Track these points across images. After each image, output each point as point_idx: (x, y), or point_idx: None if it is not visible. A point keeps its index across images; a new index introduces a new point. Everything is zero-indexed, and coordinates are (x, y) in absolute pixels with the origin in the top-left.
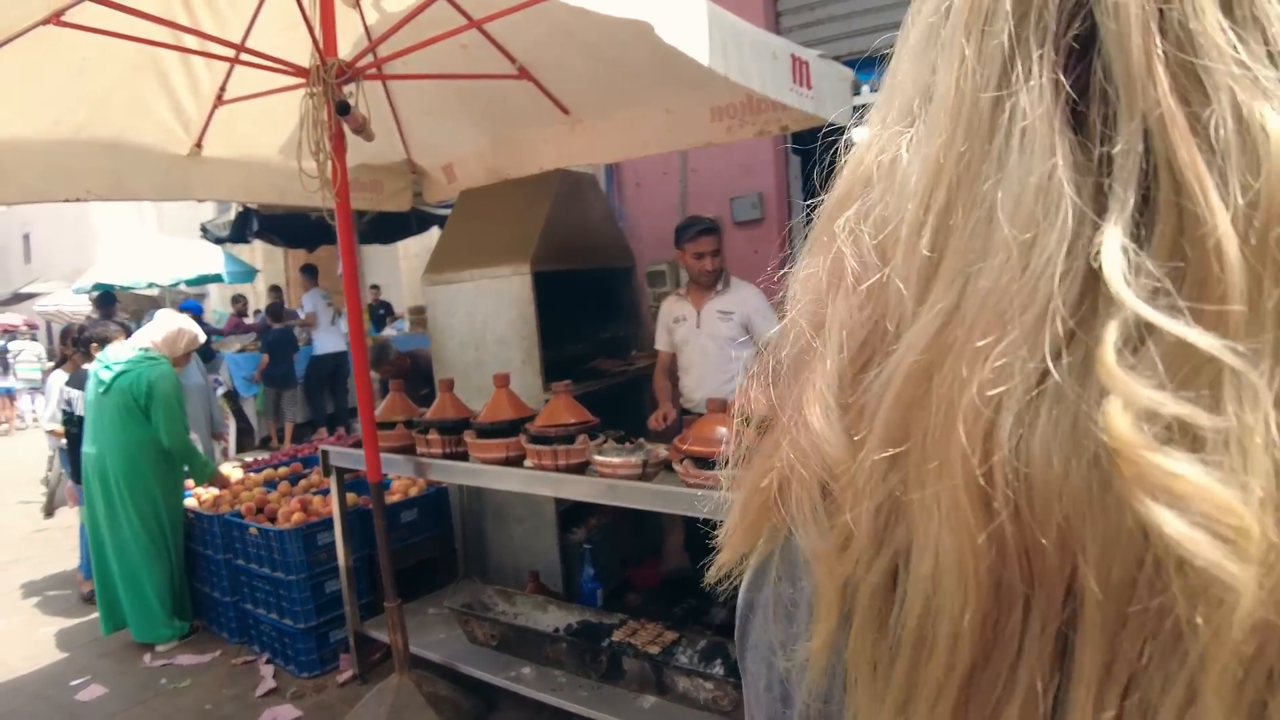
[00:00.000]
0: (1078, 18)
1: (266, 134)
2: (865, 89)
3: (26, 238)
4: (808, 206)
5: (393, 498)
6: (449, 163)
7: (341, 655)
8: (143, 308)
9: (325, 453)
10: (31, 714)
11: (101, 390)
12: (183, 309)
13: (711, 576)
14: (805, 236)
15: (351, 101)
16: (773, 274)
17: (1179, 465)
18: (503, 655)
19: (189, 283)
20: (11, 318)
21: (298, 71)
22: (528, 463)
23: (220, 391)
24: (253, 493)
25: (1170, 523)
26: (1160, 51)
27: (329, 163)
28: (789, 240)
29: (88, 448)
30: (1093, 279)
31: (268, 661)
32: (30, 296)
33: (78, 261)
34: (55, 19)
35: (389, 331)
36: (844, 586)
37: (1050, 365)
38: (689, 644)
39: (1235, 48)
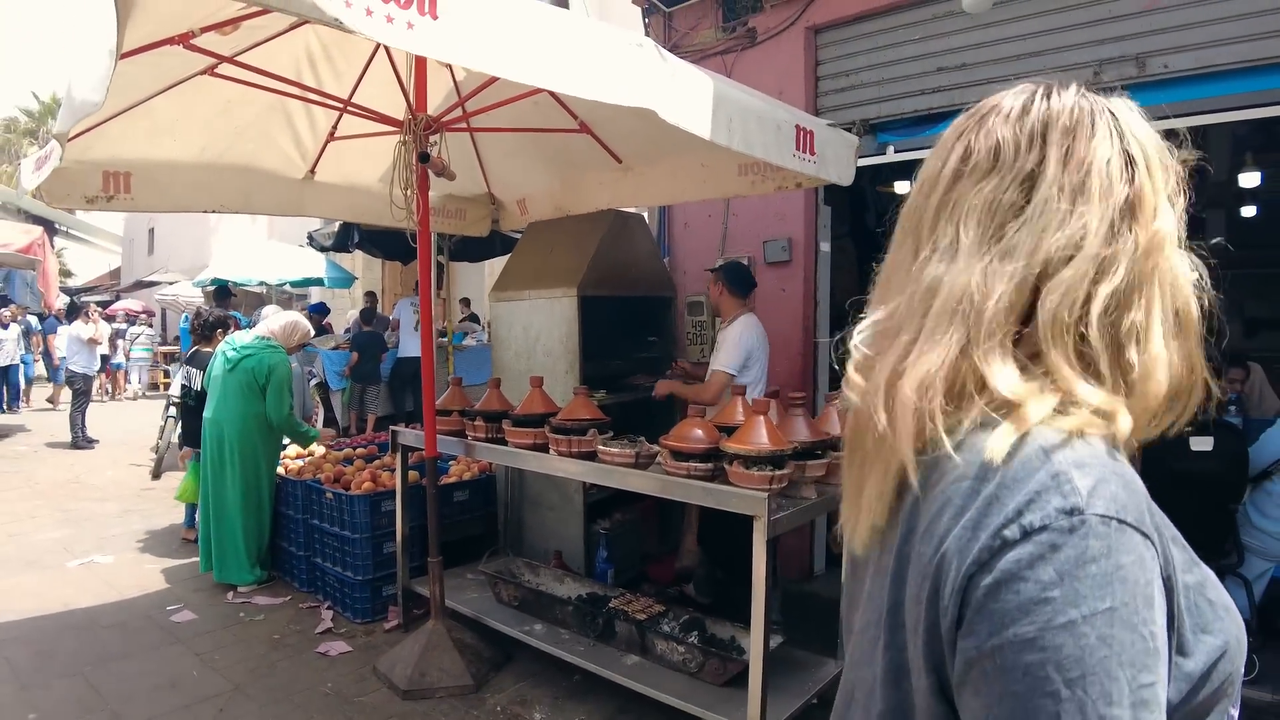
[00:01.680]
0: (923, 227)
1: (369, 166)
2: (891, 149)
3: (151, 232)
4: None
5: (448, 480)
6: (523, 198)
7: (390, 607)
8: (249, 303)
9: (395, 433)
10: (138, 628)
11: (228, 368)
12: (309, 310)
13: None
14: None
15: (434, 150)
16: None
17: (854, 375)
18: (522, 614)
19: (293, 284)
20: (133, 303)
21: (393, 123)
22: (550, 450)
23: (313, 383)
24: (333, 465)
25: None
26: (928, 243)
27: (414, 197)
28: (814, 279)
29: (209, 414)
30: None
31: (329, 607)
32: (152, 285)
33: (195, 256)
34: (210, 71)
35: (469, 341)
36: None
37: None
38: (674, 617)
39: (945, 243)
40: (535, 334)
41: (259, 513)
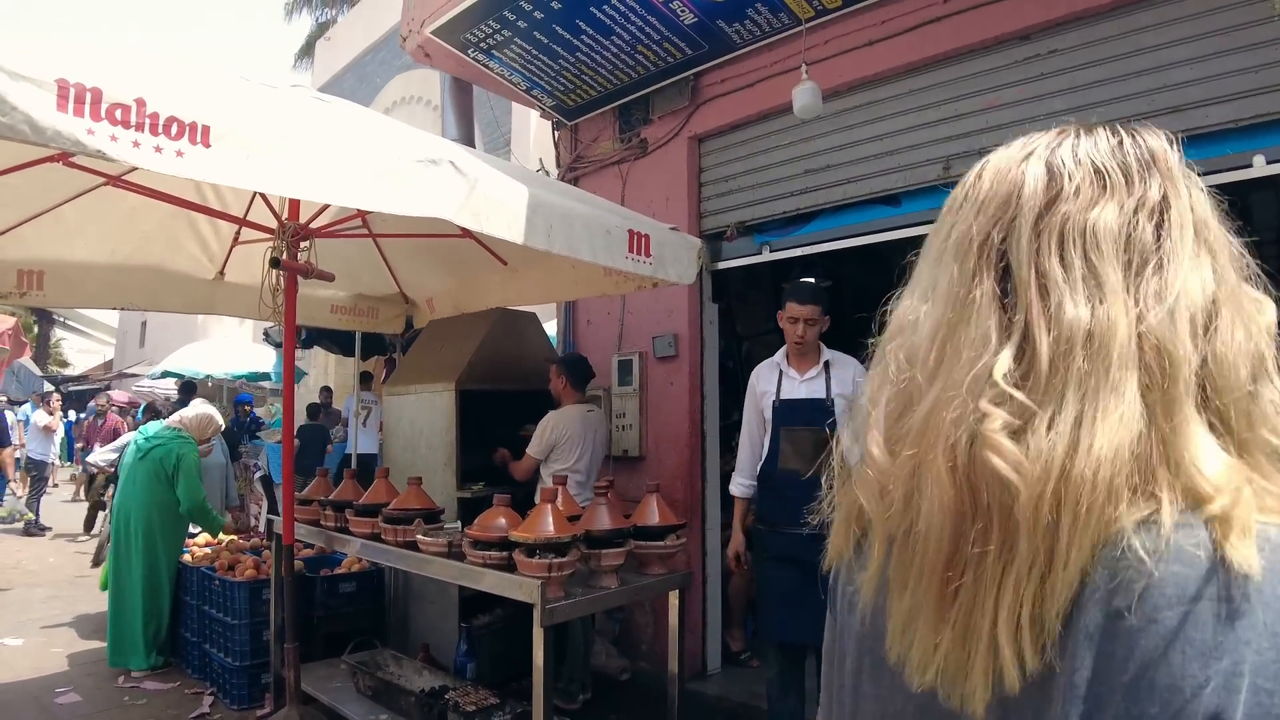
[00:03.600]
0: (1003, 257)
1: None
2: (766, 249)
3: (144, 324)
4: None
5: (339, 571)
6: (430, 297)
7: (266, 695)
8: (218, 395)
9: (270, 521)
10: (19, 709)
11: (139, 456)
12: (237, 401)
13: (827, 566)
14: (871, 356)
15: (304, 255)
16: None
17: (1007, 444)
18: (375, 704)
19: (237, 377)
20: (119, 394)
21: (268, 230)
22: (384, 539)
23: (258, 475)
24: (231, 554)
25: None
26: (1034, 277)
27: (280, 297)
28: (700, 373)
29: (117, 500)
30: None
31: (211, 693)
32: (133, 377)
33: (182, 351)
34: (111, 182)
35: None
36: (888, 536)
37: (974, 410)
38: (509, 710)
39: (1062, 275)
40: (420, 427)
41: (157, 598)
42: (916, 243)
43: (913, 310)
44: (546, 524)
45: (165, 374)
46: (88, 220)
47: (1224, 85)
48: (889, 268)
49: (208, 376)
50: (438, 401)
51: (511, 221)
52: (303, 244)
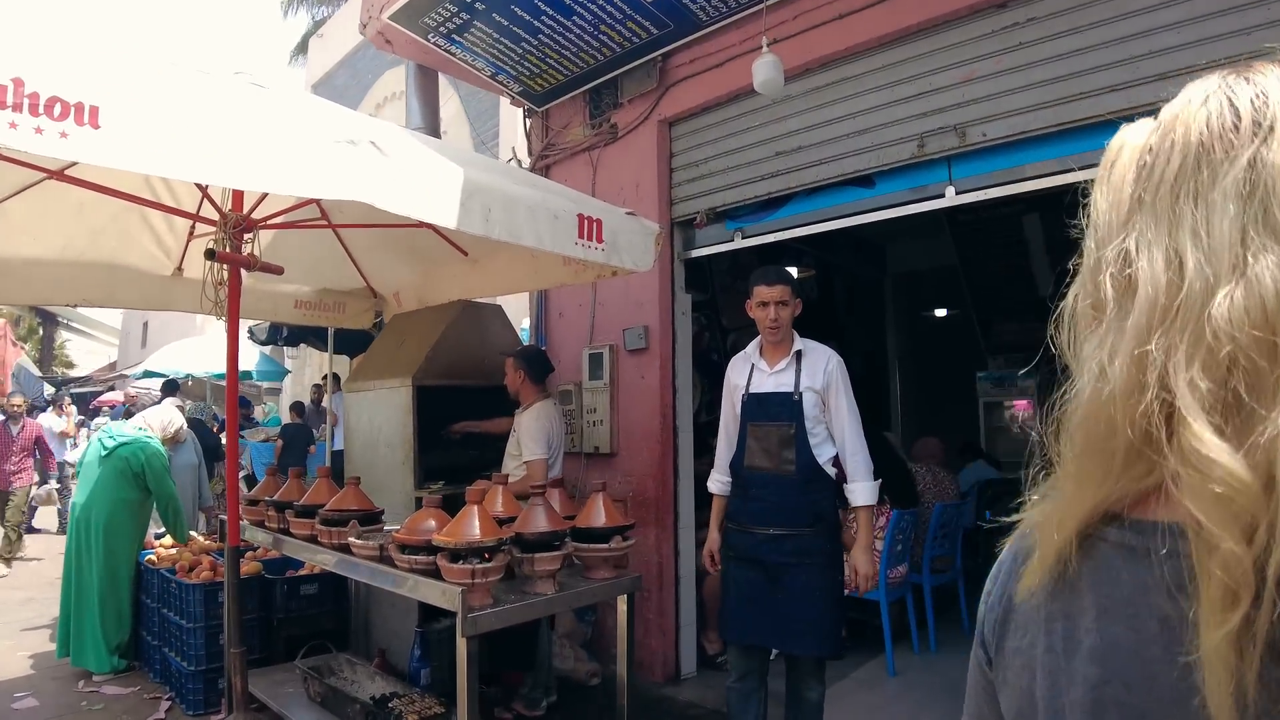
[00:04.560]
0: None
1: None
2: (739, 236)
3: (145, 325)
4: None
5: (301, 573)
6: (397, 290)
7: (223, 699)
8: (204, 394)
9: (223, 522)
10: None
11: (103, 454)
12: None
13: (1023, 589)
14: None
15: (248, 247)
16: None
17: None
18: (325, 711)
19: (218, 376)
20: (117, 395)
21: (212, 222)
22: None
23: (241, 474)
24: (192, 555)
25: None
26: None
27: (224, 288)
28: (672, 365)
29: (78, 499)
30: None
31: (169, 698)
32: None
33: (180, 350)
34: (57, 175)
35: None
36: (1248, 584)
37: None
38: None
39: None
40: (379, 425)
41: (117, 598)
42: (890, 225)
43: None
44: (471, 528)
45: (146, 373)
46: (34, 216)
47: (1215, 50)
48: (879, 255)
49: (188, 375)
50: (395, 398)
51: (442, 205)
52: (246, 236)
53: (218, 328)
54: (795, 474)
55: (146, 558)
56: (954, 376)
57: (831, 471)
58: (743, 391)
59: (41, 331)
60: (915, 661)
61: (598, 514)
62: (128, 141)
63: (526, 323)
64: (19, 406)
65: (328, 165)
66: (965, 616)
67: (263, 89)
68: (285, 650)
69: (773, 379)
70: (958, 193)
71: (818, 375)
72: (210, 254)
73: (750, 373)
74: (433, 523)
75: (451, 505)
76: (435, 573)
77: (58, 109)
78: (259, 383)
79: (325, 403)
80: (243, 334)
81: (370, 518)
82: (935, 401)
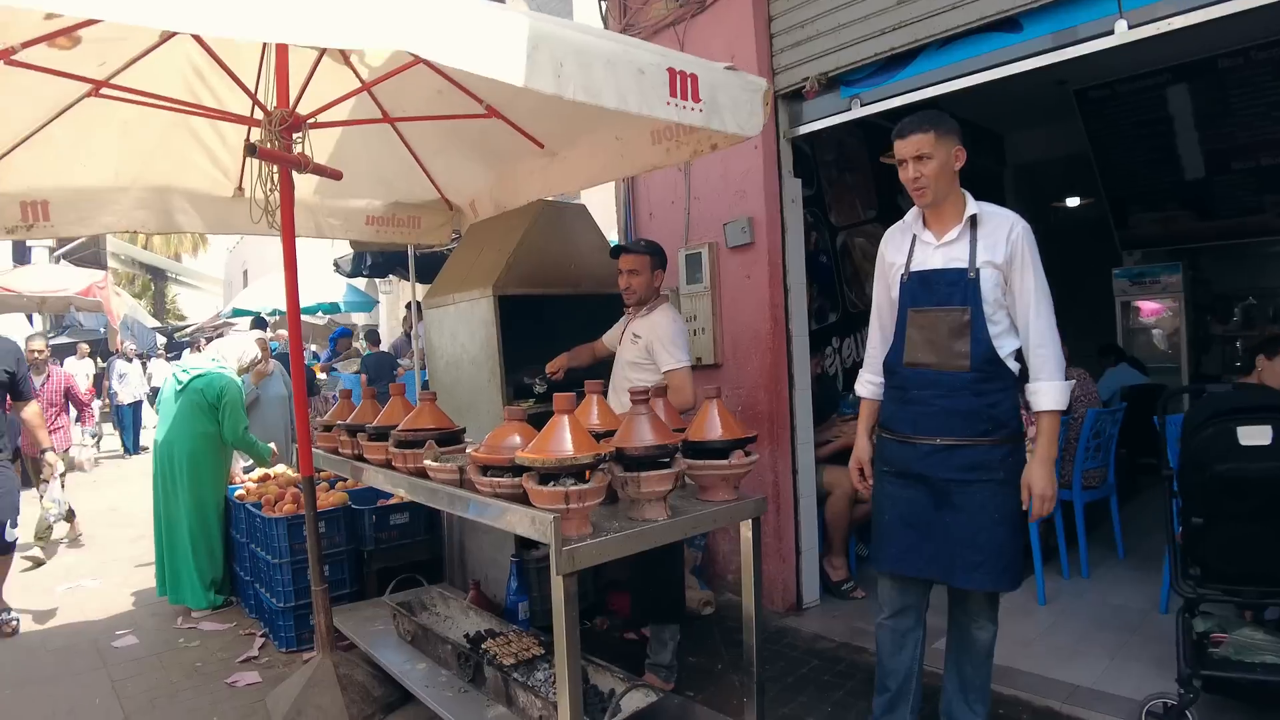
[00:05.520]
0: None
1: (299, 180)
2: (856, 103)
3: (245, 272)
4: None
5: (389, 501)
6: (472, 199)
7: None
8: (320, 333)
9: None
10: (79, 652)
11: (179, 388)
12: (335, 335)
13: None
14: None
15: (298, 146)
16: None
17: None
18: (416, 650)
19: (305, 310)
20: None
21: (256, 122)
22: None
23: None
24: (279, 488)
25: None
26: None
27: (276, 195)
28: (782, 261)
29: (159, 437)
30: None
31: (263, 635)
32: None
33: (279, 291)
34: (94, 93)
35: None
36: None
37: None
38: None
39: None
40: (462, 341)
41: (208, 536)
42: (1042, 75)
43: None
44: (563, 442)
45: (236, 311)
46: (80, 141)
47: None
48: (998, 146)
49: (274, 311)
50: (476, 310)
51: (505, 57)
52: (295, 135)
53: (312, 263)
54: (970, 370)
55: (236, 493)
56: (1085, 275)
57: (1014, 367)
58: (901, 270)
59: (154, 288)
60: (1066, 587)
61: (713, 425)
62: None
63: (614, 235)
64: (40, 354)
65: (360, 7)
66: (1119, 538)
67: None
68: (378, 584)
69: (941, 253)
70: (1130, 26)
71: (999, 247)
72: (251, 150)
73: (911, 246)
74: (518, 438)
75: (542, 424)
76: (523, 497)
77: None
78: (349, 314)
79: (412, 331)
80: (329, 265)
81: (449, 437)
82: (1065, 302)
